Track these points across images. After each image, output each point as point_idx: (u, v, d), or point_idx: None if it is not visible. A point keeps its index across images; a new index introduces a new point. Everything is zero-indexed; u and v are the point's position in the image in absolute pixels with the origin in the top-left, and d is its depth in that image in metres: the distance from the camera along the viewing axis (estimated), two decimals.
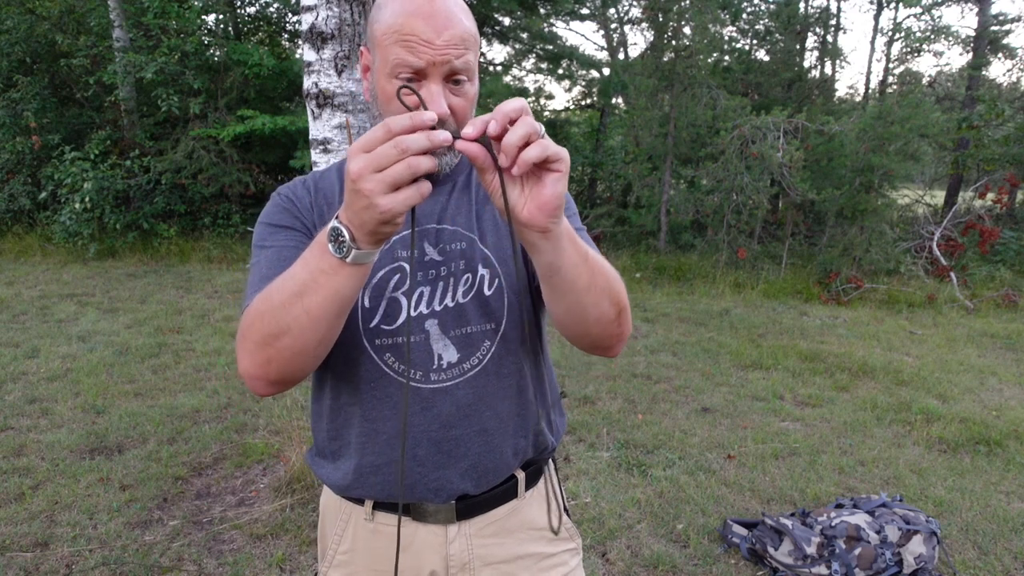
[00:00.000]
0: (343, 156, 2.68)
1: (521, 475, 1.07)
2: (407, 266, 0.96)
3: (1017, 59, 13.60)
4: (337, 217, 0.73)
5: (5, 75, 9.11)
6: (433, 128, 0.66)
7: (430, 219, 1.00)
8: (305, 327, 0.79)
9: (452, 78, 0.90)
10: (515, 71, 14.62)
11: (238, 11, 12.07)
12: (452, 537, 1.03)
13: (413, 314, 0.96)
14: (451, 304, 0.98)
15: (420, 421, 0.98)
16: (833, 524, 2.52)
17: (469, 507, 1.03)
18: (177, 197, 9.39)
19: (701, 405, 4.19)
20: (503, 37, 12.69)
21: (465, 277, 0.98)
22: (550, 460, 1.17)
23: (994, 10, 13.37)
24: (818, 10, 12.68)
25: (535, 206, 0.71)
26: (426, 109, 0.71)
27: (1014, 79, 15.21)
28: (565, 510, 1.16)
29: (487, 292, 0.99)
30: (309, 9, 2.59)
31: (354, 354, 0.97)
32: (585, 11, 13.85)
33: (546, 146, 0.68)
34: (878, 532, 2.48)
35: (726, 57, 11.75)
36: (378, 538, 1.05)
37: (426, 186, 0.68)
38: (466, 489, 1.01)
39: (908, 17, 12.75)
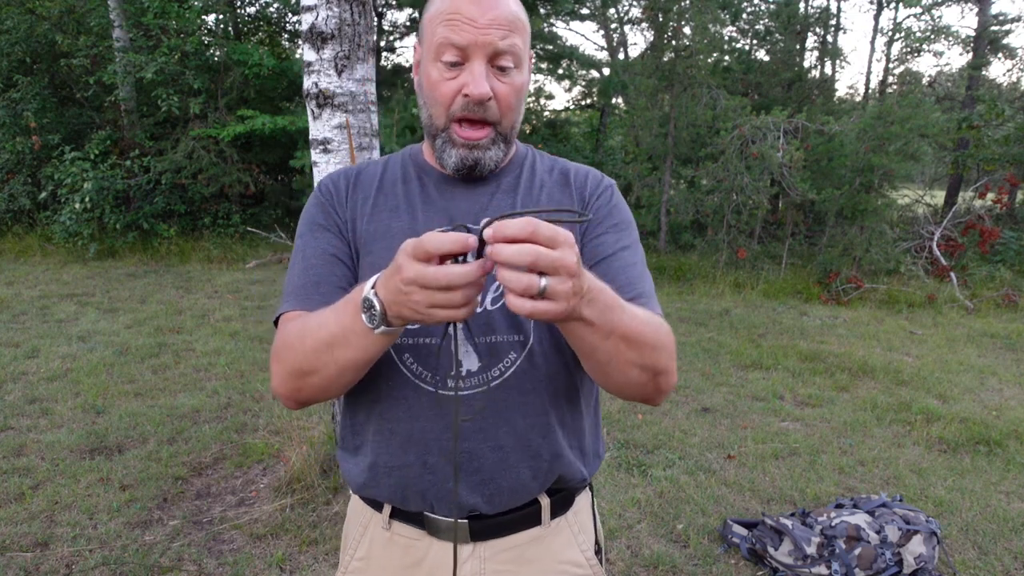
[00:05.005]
0: (343, 156, 2.68)
1: (546, 501, 1.00)
2: None
3: (1017, 59, 13.62)
4: (374, 288, 0.73)
5: (5, 75, 9.11)
6: (481, 241, 0.67)
7: (467, 218, 0.96)
8: (332, 373, 0.83)
9: (497, 62, 0.89)
10: None
11: (238, 11, 12.07)
12: (465, 558, 0.98)
13: None
14: (479, 310, 0.93)
15: (433, 428, 0.94)
16: (833, 524, 2.52)
17: (483, 528, 0.98)
18: (177, 197, 9.39)
19: (701, 405, 4.19)
20: None
21: (496, 284, 0.93)
22: (587, 490, 1.09)
23: (994, 10, 13.39)
24: (818, 10, 12.70)
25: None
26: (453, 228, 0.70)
27: (1014, 79, 15.23)
28: (598, 550, 1.07)
29: None
30: (309, 9, 2.59)
31: None
32: (585, 11, 13.87)
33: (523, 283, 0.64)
34: (878, 532, 2.48)
35: (726, 57, 11.75)
36: (393, 548, 1.02)
37: (474, 304, 0.69)
38: (476, 504, 0.96)
39: (908, 17, 12.76)
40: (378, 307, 0.72)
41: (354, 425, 1.02)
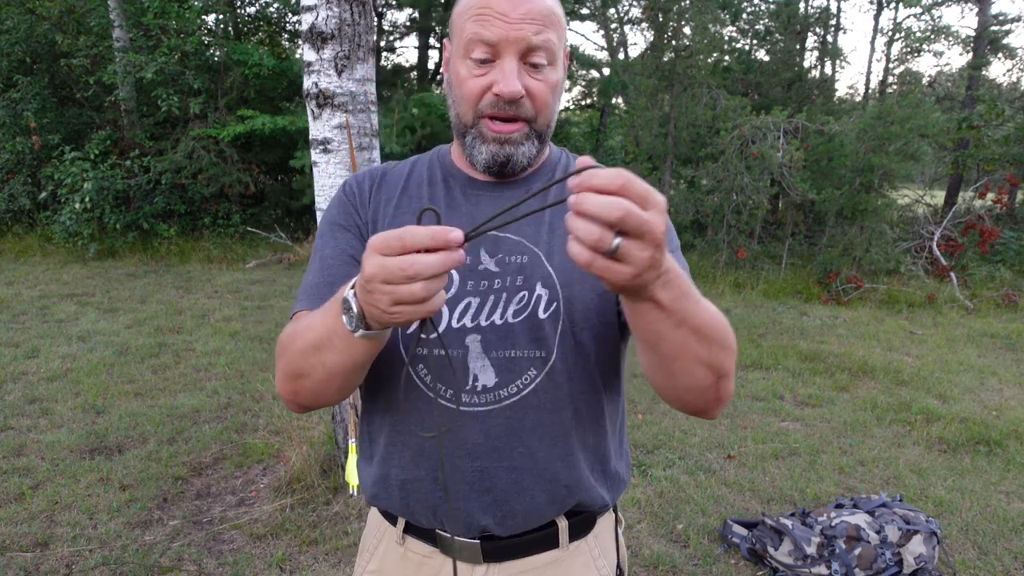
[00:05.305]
0: (343, 156, 2.68)
1: (564, 523, 0.96)
2: (455, 274, 0.89)
3: (1017, 59, 13.62)
4: (353, 287, 0.69)
5: (5, 75, 9.11)
6: (464, 241, 0.61)
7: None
8: (322, 377, 0.80)
9: (530, 59, 0.85)
10: None
11: (238, 11, 12.07)
12: None
13: (455, 326, 0.88)
14: (499, 322, 0.88)
15: (446, 443, 0.90)
16: (833, 524, 2.52)
17: (496, 549, 0.93)
18: (177, 197, 9.39)
19: None
20: None
21: (520, 295, 0.89)
22: (610, 512, 1.04)
23: (994, 10, 13.39)
24: (818, 10, 12.69)
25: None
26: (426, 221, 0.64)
27: (1014, 79, 15.24)
28: (620, 574, 1.04)
29: (541, 315, 0.89)
30: (309, 9, 2.59)
31: (390, 359, 0.91)
32: (585, 11, 13.85)
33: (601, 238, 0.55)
34: (878, 532, 2.48)
35: (726, 57, 11.75)
36: (406, 564, 0.99)
37: (437, 300, 0.63)
38: (487, 525, 0.92)
39: (908, 17, 12.76)
40: (355, 309, 0.69)
41: (370, 433, 0.99)
